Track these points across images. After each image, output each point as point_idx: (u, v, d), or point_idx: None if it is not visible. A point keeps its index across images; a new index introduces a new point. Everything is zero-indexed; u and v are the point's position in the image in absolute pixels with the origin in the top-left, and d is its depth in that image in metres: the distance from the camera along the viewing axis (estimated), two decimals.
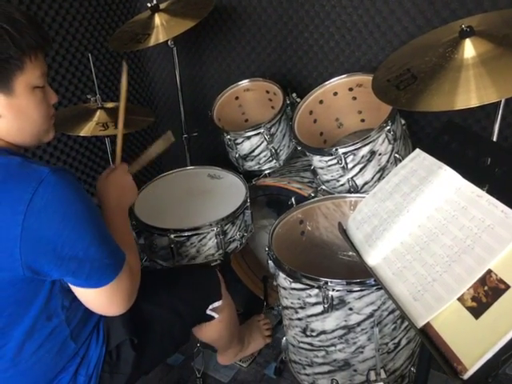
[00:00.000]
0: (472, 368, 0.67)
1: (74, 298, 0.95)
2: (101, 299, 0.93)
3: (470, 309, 0.72)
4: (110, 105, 1.81)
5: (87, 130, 1.67)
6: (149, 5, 1.76)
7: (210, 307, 1.29)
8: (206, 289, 1.31)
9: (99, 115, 1.73)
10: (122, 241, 0.97)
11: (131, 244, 1.08)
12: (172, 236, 1.41)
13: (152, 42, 1.68)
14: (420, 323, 0.77)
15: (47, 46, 0.91)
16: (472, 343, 0.70)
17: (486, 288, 0.71)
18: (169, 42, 1.82)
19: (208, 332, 1.37)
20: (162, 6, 1.79)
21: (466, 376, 0.68)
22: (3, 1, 0.86)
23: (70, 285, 0.92)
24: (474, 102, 1.02)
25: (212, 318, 1.30)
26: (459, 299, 0.74)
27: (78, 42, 2.09)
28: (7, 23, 0.81)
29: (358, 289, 1.08)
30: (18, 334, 0.91)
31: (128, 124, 1.72)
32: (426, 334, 0.76)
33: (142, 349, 1.11)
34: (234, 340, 1.52)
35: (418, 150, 1.02)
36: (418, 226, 0.89)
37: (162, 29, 1.71)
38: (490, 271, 0.72)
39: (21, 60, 0.84)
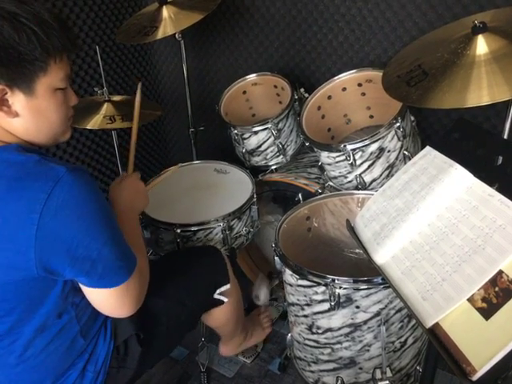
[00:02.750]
0: (481, 370, 0.67)
1: (85, 296, 0.95)
2: (111, 300, 0.94)
3: (480, 310, 0.71)
4: (117, 98, 1.81)
5: (94, 123, 1.66)
6: None
7: (218, 291, 1.28)
8: (213, 273, 1.30)
9: (106, 108, 1.72)
10: (133, 243, 0.97)
11: (142, 247, 1.08)
12: (178, 230, 1.41)
13: (159, 34, 1.66)
14: (429, 323, 0.76)
15: (74, 49, 0.89)
16: (482, 344, 0.69)
17: (496, 289, 0.70)
18: (176, 35, 1.81)
19: (216, 316, 1.36)
20: None
21: (475, 377, 0.67)
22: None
23: (80, 285, 0.92)
24: (485, 100, 1.00)
25: (221, 302, 1.30)
26: (469, 300, 0.73)
27: (85, 34, 2.08)
28: (36, 24, 0.80)
29: (366, 287, 1.07)
30: (29, 331, 0.91)
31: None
32: (435, 334, 0.75)
33: (148, 343, 1.11)
34: (238, 327, 1.51)
35: (428, 148, 1.01)
36: (427, 224, 0.88)
37: (170, 21, 1.69)
38: (501, 272, 0.71)
39: (45, 62, 0.83)
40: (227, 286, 1.30)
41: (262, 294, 1.71)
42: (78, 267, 0.85)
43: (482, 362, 0.67)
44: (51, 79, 0.85)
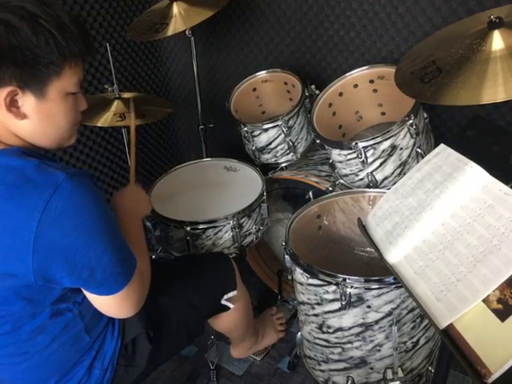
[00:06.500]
0: (497, 372, 0.66)
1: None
2: (111, 305, 0.94)
3: (495, 311, 0.70)
4: (127, 95, 1.81)
5: (104, 120, 1.66)
6: None
7: (225, 297, 1.28)
8: (221, 279, 1.30)
9: (116, 105, 1.72)
10: (134, 244, 0.97)
11: (143, 247, 1.07)
12: (188, 228, 1.40)
13: (170, 31, 1.66)
14: (443, 324, 0.75)
15: (90, 55, 0.89)
16: (497, 346, 0.68)
17: None
18: (187, 32, 1.80)
19: (223, 322, 1.37)
20: None
21: (490, 380, 0.66)
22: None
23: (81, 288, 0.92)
24: (501, 97, 0.98)
25: (227, 308, 1.30)
26: (484, 301, 0.71)
27: (96, 32, 2.08)
28: (55, 28, 0.79)
29: (377, 286, 1.05)
30: (32, 329, 0.91)
31: (145, 115, 1.73)
32: (449, 335, 0.74)
33: (157, 342, 1.11)
34: (248, 332, 1.51)
35: (442, 146, 0.99)
36: (441, 223, 0.87)
37: (180, 18, 1.69)
38: None
39: (60, 66, 0.82)
40: (234, 293, 1.30)
41: None
42: (77, 275, 0.84)
43: (498, 364, 0.66)
44: (64, 83, 0.84)
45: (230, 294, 1.29)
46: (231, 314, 1.33)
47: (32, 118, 0.84)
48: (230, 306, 1.29)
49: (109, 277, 0.88)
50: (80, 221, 0.81)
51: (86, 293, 0.93)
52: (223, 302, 1.28)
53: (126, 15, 2.21)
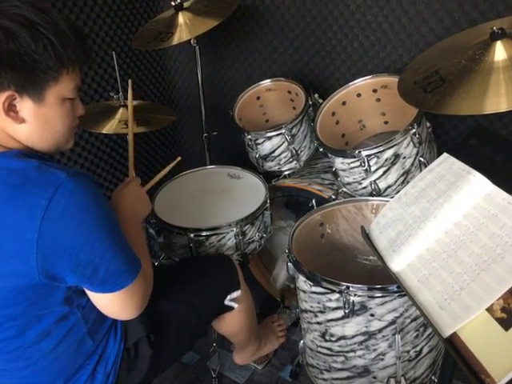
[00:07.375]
0: (501, 381, 0.65)
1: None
2: (114, 304, 0.94)
3: (499, 320, 0.70)
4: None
5: (109, 127, 1.68)
6: (173, 3, 1.75)
7: (229, 297, 1.28)
8: (223, 279, 1.30)
9: (121, 113, 1.73)
10: (135, 247, 0.97)
11: (145, 252, 1.08)
12: (191, 235, 1.41)
13: (175, 40, 1.67)
14: (446, 333, 0.75)
15: (87, 62, 0.91)
16: (501, 355, 0.67)
17: None
18: (191, 41, 1.82)
19: (227, 325, 1.37)
20: (185, 4, 1.78)
21: None
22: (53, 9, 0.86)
23: (84, 289, 0.92)
24: (504, 107, 0.99)
25: (231, 308, 1.30)
26: (488, 309, 0.72)
27: (102, 40, 2.10)
28: (53, 35, 0.81)
29: (380, 295, 1.05)
30: (36, 334, 0.91)
31: (149, 122, 1.74)
32: (453, 344, 0.74)
33: (158, 346, 1.11)
34: (252, 336, 1.51)
35: (445, 155, 1.00)
36: (445, 232, 0.87)
37: (185, 27, 1.70)
38: None
39: (58, 72, 0.84)
40: (238, 293, 1.30)
41: (281, 277, 1.73)
42: (80, 273, 0.85)
43: (502, 373, 0.66)
44: (61, 89, 0.86)
45: (234, 294, 1.29)
46: (236, 314, 1.32)
47: (30, 122, 0.85)
48: (234, 305, 1.29)
49: (112, 274, 0.88)
50: (82, 219, 0.82)
51: (90, 294, 0.93)
52: (227, 302, 1.28)
53: (132, 24, 2.24)
